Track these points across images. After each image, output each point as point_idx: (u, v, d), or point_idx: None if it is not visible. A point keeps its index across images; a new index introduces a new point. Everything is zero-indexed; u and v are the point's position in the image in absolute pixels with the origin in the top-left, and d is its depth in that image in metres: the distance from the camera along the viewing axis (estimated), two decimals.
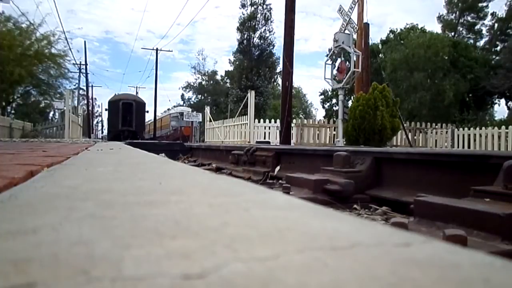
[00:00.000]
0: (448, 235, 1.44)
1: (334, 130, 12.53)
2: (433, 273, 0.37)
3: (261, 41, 34.50)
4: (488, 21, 31.74)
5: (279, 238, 0.49)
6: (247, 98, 13.95)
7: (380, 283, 0.34)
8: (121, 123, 22.68)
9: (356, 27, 12.91)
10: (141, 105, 24.85)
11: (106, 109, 28.21)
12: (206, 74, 48.18)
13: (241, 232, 0.51)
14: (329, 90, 35.42)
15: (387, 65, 29.19)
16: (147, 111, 28.19)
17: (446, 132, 13.72)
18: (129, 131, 21.88)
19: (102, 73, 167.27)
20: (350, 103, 14.96)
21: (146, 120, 30.08)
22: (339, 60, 12.39)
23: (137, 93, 48.80)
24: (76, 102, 30.93)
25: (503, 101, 30.10)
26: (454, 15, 33.26)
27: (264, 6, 34.37)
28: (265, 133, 14.10)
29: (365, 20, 14.37)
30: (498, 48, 30.71)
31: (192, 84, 49.41)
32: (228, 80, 41.44)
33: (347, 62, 11.00)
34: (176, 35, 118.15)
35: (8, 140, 9.63)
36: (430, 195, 2.02)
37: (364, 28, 14.35)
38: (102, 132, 54.89)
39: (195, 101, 48.06)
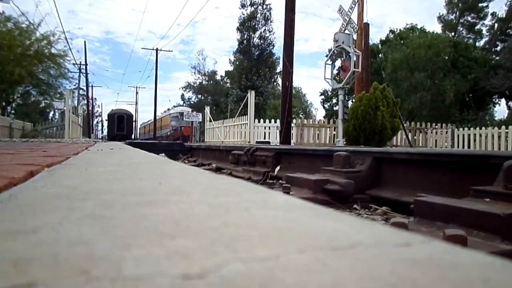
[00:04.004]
0: (448, 235, 1.44)
1: (334, 130, 12.52)
2: (433, 273, 0.37)
3: (261, 41, 34.46)
4: (488, 21, 31.70)
5: (279, 238, 0.49)
6: (247, 98, 13.94)
7: (380, 283, 0.34)
8: (116, 129, 33.59)
9: (356, 27, 12.90)
10: (130, 116, 37.51)
11: (106, 120, 41.94)
12: (206, 74, 48.17)
13: (241, 232, 0.51)
14: (329, 90, 35.40)
15: (387, 65, 29.17)
16: (135, 121, 44.36)
17: (446, 132, 13.71)
18: (122, 135, 31.27)
19: (103, 73, 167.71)
20: (350, 103, 14.94)
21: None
22: (339, 60, 12.36)
23: (137, 93, 51.35)
24: (76, 102, 30.97)
25: (503, 101, 30.10)
26: (454, 15, 33.22)
27: (264, 6, 34.34)
28: (265, 133, 14.08)
29: (365, 20, 14.35)
30: (498, 48, 30.66)
31: (192, 84, 49.40)
32: (228, 80, 41.41)
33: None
34: (176, 35, 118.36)
35: (8, 140, 9.63)
36: (430, 195, 2.01)
37: (364, 28, 14.34)
38: (102, 132, 55.13)
39: (195, 101, 48.03)
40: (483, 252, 0.47)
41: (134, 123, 43.56)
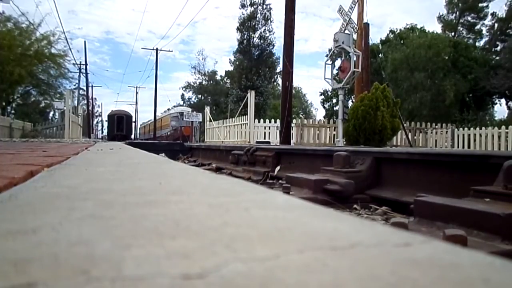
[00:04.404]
0: (448, 235, 1.44)
1: (334, 130, 12.52)
2: (433, 273, 0.37)
3: (261, 41, 34.43)
4: (488, 21, 31.70)
5: (279, 238, 0.49)
6: (247, 98, 13.93)
7: (380, 283, 0.34)
8: (116, 129, 35.03)
9: (356, 27, 12.90)
10: (129, 117, 38.99)
11: (106, 120, 44.00)
12: (206, 74, 48.16)
13: (241, 232, 0.51)
14: (329, 90, 35.40)
15: (388, 65, 29.17)
16: (134, 121, 46.68)
17: (446, 132, 13.71)
18: (121, 135, 32.35)
19: (103, 73, 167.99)
20: (350, 103, 14.93)
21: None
22: (339, 60, 12.34)
23: (137, 93, 52.39)
24: (76, 102, 30.99)
25: (503, 101, 30.10)
26: (454, 15, 33.21)
27: (264, 6, 34.30)
28: (265, 133, 14.08)
29: (365, 20, 14.34)
30: (498, 48, 30.66)
31: (192, 84, 49.41)
32: (228, 80, 41.41)
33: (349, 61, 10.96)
34: (176, 35, 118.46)
35: (8, 140, 9.62)
36: (430, 195, 2.01)
37: (364, 28, 14.33)
38: (102, 132, 55.35)
39: (195, 101, 48.05)
40: (483, 252, 0.47)
41: (133, 123, 45.49)
